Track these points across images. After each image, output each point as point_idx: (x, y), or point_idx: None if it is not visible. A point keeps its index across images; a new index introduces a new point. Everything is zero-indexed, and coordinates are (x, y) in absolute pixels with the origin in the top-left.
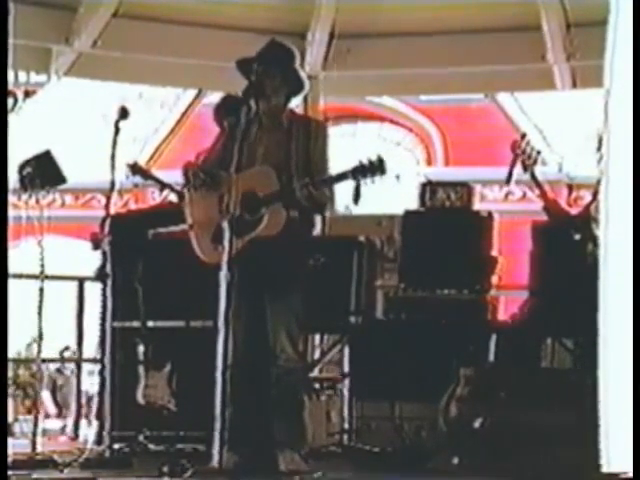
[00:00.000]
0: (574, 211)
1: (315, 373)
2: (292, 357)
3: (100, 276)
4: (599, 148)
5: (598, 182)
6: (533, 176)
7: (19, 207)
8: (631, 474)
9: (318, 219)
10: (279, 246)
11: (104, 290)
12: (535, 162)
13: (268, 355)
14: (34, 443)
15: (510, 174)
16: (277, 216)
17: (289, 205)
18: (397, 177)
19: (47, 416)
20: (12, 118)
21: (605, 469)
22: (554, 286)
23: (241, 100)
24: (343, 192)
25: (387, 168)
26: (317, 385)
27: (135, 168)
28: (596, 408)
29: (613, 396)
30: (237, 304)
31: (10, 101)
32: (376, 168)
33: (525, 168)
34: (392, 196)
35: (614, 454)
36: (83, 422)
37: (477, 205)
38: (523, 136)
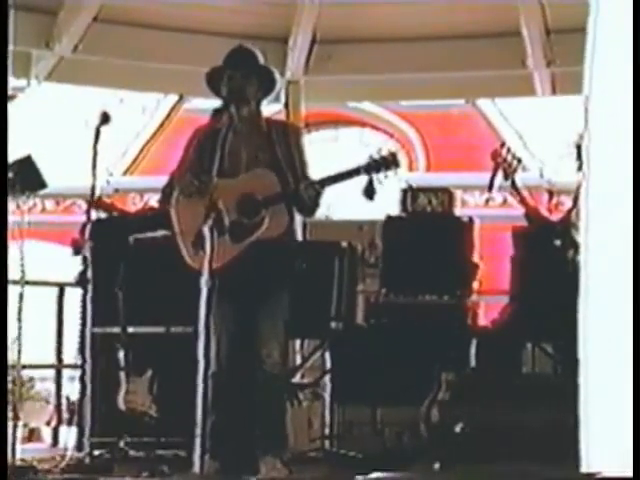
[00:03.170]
0: (555, 217)
1: (296, 379)
2: (277, 362)
3: (81, 282)
4: (579, 154)
5: (578, 188)
6: (514, 184)
7: None
8: (631, 474)
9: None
10: (279, 248)
11: (84, 296)
12: (515, 170)
13: (252, 360)
14: (14, 449)
15: (492, 183)
16: (280, 217)
17: (291, 206)
18: (379, 182)
19: None
20: None
21: (584, 470)
22: (535, 291)
23: (222, 108)
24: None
25: (400, 161)
26: (298, 391)
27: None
28: (576, 412)
29: (593, 400)
30: (223, 309)
31: None
32: (390, 162)
33: (506, 176)
34: (373, 201)
35: (594, 455)
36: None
37: (458, 210)
38: (503, 144)
